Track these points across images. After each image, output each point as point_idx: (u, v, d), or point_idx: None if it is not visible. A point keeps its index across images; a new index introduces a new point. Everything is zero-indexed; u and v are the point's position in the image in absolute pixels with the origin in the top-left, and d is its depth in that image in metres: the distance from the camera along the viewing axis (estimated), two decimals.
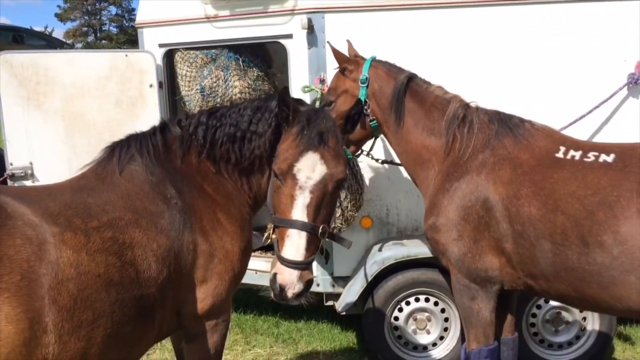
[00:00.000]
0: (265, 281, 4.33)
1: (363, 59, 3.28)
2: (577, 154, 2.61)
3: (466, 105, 3.01)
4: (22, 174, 4.12)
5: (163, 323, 2.35)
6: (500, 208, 2.68)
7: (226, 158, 2.56)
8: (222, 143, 2.53)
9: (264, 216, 3.14)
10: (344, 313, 4.02)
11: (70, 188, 2.29)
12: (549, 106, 3.68)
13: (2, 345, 1.80)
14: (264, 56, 4.72)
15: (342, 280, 4.09)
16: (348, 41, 3.42)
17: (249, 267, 2.84)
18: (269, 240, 4.67)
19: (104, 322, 2.04)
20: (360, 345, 4.38)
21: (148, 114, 4.28)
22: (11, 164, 4.13)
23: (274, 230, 2.40)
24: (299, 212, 2.28)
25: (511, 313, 3.06)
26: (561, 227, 2.48)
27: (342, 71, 3.27)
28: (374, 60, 3.24)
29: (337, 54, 3.28)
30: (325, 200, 2.33)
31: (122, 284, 2.11)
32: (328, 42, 3.48)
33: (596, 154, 2.57)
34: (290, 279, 2.24)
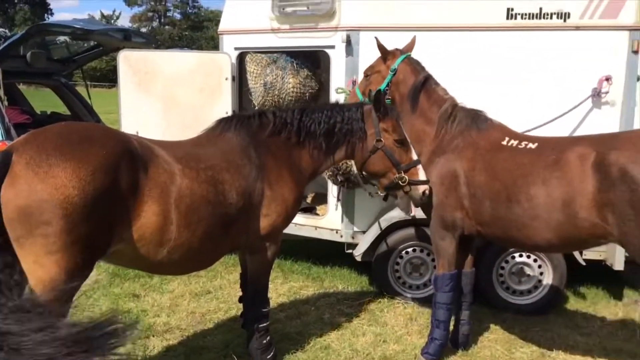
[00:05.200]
0: (302, 232, 5.70)
1: (402, 53, 4.33)
2: (515, 142, 3.81)
3: (455, 105, 4.14)
4: None
5: (236, 235, 3.61)
6: (462, 177, 3.89)
7: (314, 145, 3.80)
8: (317, 135, 3.77)
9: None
10: (360, 260, 5.35)
11: (189, 144, 3.63)
12: (530, 111, 4.80)
13: (148, 226, 3.17)
14: (314, 59, 6.04)
15: (361, 234, 5.39)
16: (376, 38, 4.37)
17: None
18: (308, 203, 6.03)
19: (203, 224, 3.36)
20: (371, 284, 5.69)
21: (222, 100, 5.63)
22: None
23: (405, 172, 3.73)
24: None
25: (471, 254, 4.29)
26: (497, 190, 3.70)
27: (383, 58, 4.36)
28: (407, 57, 4.30)
29: (380, 47, 4.32)
30: None
31: (215, 203, 3.41)
32: (375, 37, 4.37)
33: (526, 142, 3.77)
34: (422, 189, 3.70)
